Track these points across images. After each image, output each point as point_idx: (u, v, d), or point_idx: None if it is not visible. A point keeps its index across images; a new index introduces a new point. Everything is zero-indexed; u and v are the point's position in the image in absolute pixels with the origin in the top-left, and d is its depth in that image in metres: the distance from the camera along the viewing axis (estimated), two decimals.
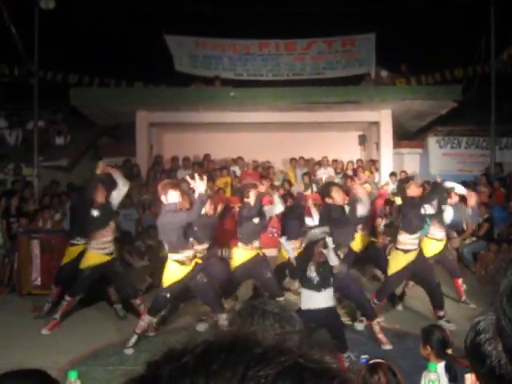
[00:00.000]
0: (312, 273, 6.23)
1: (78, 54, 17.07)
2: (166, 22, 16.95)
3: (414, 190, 8.20)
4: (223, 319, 7.49)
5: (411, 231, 8.11)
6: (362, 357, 3.35)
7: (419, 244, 8.34)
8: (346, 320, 8.21)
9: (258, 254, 8.44)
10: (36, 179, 14.24)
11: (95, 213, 8.38)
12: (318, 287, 6.22)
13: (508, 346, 0.96)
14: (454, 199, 9.17)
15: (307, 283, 6.28)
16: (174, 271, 7.46)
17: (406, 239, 8.18)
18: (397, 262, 8.28)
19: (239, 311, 1.87)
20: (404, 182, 9.01)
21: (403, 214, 8.45)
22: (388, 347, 7.39)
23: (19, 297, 10.38)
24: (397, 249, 8.34)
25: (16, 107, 16.82)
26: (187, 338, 0.80)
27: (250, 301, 1.82)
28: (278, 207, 8.75)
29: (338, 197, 8.10)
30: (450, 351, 3.85)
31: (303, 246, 7.30)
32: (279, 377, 0.70)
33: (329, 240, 6.32)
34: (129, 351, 7.44)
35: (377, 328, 7.61)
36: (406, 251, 8.17)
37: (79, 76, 15.90)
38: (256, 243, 8.42)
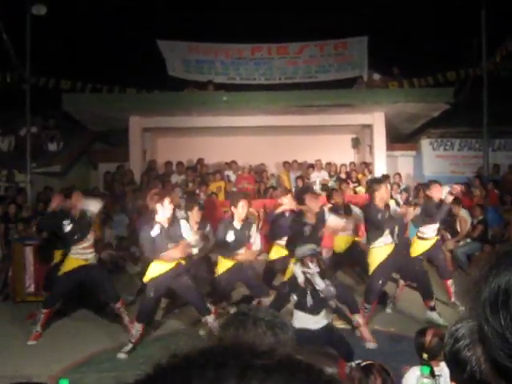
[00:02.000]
0: (297, 297, 6.06)
1: (71, 60, 17.05)
2: (158, 27, 16.96)
3: (382, 195, 8.19)
4: (211, 321, 7.57)
5: (378, 234, 8.11)
6: (355, 362, 3.38)
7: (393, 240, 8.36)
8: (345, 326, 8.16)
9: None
10: (29, 186, 14.18)
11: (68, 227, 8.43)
12: (311, 311, 6.09)
13: (491, 354, 0.96)
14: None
15: (300, 306, 6.13)
16: (154, 268, 7.59)
17: (377, 240, 8.18)
18: (375, 259, 8.31)
19: (230, 319, 1.86)
20: (375, 182, 9.03)
21: (368, 218, 8.44)
22: (371, 346, 7.48)
23: (13, 304, 10.34)
24: (372, 248, 8.36)
25: (8, 114, 16.75)
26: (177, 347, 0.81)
27: (242, 308, 1.80)
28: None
29: (312, 205, 7.99)
30: (425, 356, 3.84)
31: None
32: (270, 378, 0.72)
33: (312, 265, 6.15)
34: (122, 356, 7.45)
35: (360, 321, 7.62)
36: (380, 247, 8.21)
37: (72, 82, 15.85)
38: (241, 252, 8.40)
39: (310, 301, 6.06)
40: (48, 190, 14.12)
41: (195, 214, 8.81)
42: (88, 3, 15.62)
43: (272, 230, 9.79)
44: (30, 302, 10.09)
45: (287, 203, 9.24)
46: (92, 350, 7.65)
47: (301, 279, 6.11)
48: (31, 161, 14.52)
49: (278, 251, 9.29)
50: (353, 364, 6.15)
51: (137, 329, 7.72)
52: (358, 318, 7.69)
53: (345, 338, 6.51)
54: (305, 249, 6.30)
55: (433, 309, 8.26)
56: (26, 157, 14.42)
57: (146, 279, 7.71)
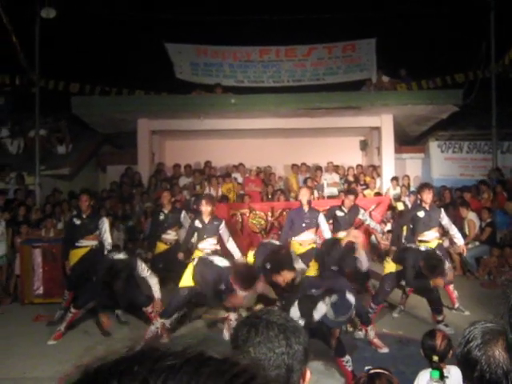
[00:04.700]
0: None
1: (80, 63, 17.13)
2: (166, 30, 17.02)
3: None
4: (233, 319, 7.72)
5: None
6: (367, 368, 3.38)
7: None
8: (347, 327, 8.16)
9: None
10: (38, 188, 14.24)
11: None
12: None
13: None
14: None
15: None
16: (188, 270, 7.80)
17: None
18: (391, 264, 8.45)
19: (243, 321, 1.86)
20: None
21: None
22: (385, 350, 7.42)
23: (21, 306, 10.37)
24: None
25: (17, 116, 16.85)
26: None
27: (254, 311, 1.81)
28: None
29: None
30: (436, 358, 3.85)
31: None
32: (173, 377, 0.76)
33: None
34: None
35: (372, 333, 7.61)
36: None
37: (80, 84, 15.94)
38: None
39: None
40: (57, 193, 14.18)
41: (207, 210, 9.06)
42: (97, 7, 15.67)
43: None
44: (38, 304, 10.15)
45: None
46: (101, 352, 7.62)
47: None
48: (40, 163, 14.58)
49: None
50: (350, 360, 6.17)
51: (156, 325, 7.74)
52: (370, 331, 7.66)
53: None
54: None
55: (439, 322, 8.25)
56: (35, 159, 14.49)
57: (181, 284, 7.76)
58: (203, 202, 9.16)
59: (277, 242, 9.20)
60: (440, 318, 8.28)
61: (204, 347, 0.82)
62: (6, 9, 13.49)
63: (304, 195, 9.64)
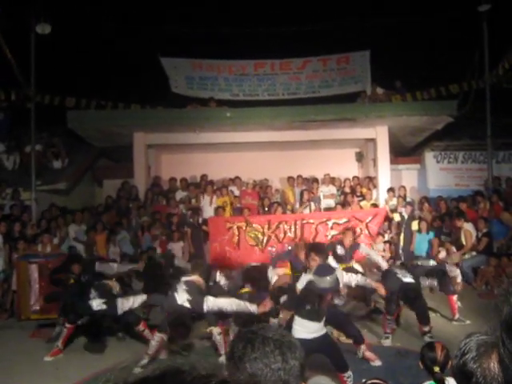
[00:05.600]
0: (313, 306, 6.05)
1: (75, 78, 17.17)
2: (161, 45, 17.08)
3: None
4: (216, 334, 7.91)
5: None
6: (363, 380, 3.39)
7: None
8: (343, 339, 8.15)
9: None
10: (34, 203, 14.20)
11: None
12: (317, 318, 6.06)
13: (506, 376, 0.97)
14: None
15: (307, 314, 6.08)
16: None
17: None
18: None
19: (239, 336, 1.86)
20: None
21: None
22: (377, 363, 7.46)
23: (18, 322, 10.33)
24: None
25: (13, 131, 16.83)
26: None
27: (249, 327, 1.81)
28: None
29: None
30: (437, 369, 3.86)
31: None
32: None
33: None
34: (138, 370, 7.40)
35: (363, 348, 7.61)
36: None
37: (76, 99, 15.95)
38: None
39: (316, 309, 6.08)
40: (54, 208, 14.14)
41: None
42: (92, 21, 15.74)
43: None
44: (35, 319, 10.11)
45: None
46: (99, 368, 7.57)
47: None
48: (36, 178, 14.56)
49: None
50: (352, 375, 6.16)
51: (156, 340, 7.74)
52: (363, 349, 7.65)
53: (340, 349, 6.47)
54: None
55: (425, 333, 8.28)
56: (31, 174, 14.46)
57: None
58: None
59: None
60: (426, 329, 8.31)
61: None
62: (2, 25, 13.53)
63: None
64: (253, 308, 7.51)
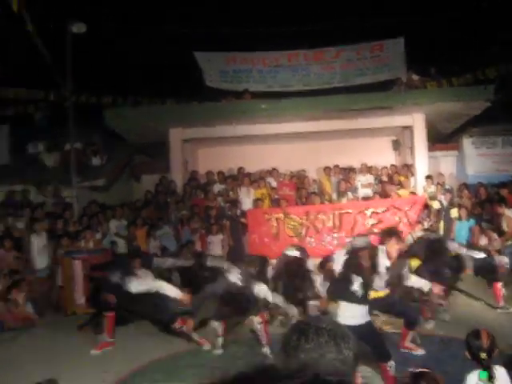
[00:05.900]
0: (356, 287, 6.00)
1: (111, 76, 17.38)
2: (195, 39, 17.19)
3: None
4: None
5: None
6: (410, 369, 3.40)
7: None
8: (387, 328, 8.12)
9: None
10: (75, 200, 14.47)
11: None
12: (361, 301, 6.01)
13: None
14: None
15: (351, 297, 6.04)
16: None
17: None
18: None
19: (293, 328, 1.89)
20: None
21: None
22: (420, 352, 7.33)
23: (64, 317, 10.57)
24: None
25: (52, 130, 17.14)
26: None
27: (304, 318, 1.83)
28: None
29: None
30: (484, 356, 3.84)
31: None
32: None
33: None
34: (218, 351, 7.92)
35: (412, 334, 7.53)
36: None
37: (113, 97, 16.17)
38: None
39: (360, 291, 5.97)
40: (94, 204, 14.37)
41: None
42: (126, 19, 15.92)
43: None
44: (81, 314, 10.32)
45: None
46: (144, 361, 7.67)
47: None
48: (76, 176, 14.82)
49: None
50: (394, 365, 6.11)
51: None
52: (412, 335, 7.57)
53: (383, 338, 6.41)
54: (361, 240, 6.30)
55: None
56: (71, 172, 14.72)
57: None
58: None
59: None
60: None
61: None
62: (38, 25, 13.75)
63: None
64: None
